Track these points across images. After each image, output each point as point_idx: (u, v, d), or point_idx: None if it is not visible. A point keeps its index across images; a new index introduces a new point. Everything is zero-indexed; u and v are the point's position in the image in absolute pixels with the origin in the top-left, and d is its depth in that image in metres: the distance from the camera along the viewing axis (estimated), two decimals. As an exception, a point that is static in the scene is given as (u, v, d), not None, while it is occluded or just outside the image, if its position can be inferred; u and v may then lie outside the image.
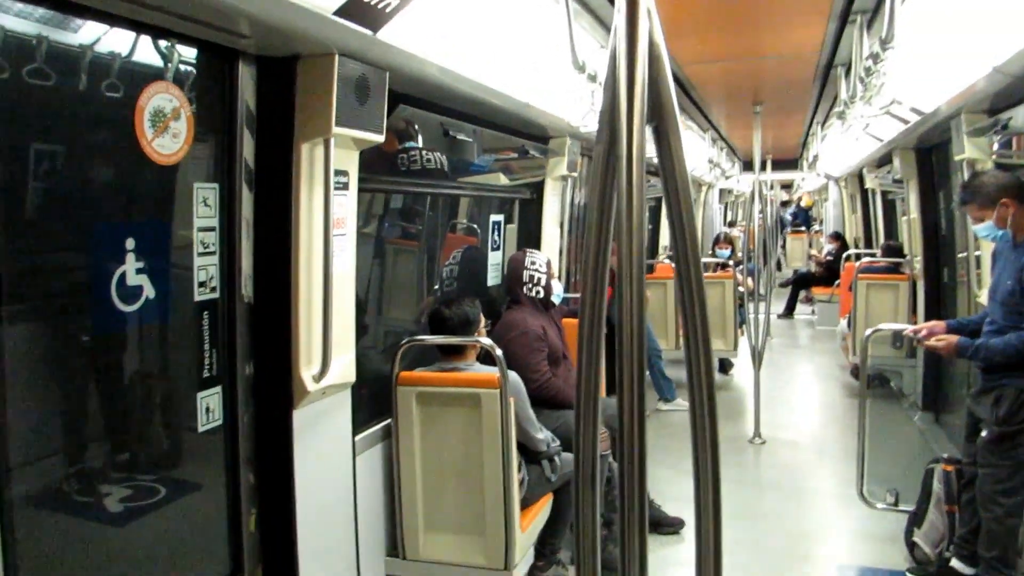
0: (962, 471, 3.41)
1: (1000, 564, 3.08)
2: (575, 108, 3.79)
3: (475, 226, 4.45)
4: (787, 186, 20.94)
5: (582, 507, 1.08)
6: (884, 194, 8.25)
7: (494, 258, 4.49)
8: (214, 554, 2.30)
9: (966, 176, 4.05)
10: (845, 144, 7.14)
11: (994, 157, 3.87)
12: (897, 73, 3.55)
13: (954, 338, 3.32)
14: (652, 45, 0.95)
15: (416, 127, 3.43)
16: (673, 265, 7.41)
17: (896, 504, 3.86)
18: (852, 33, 3.78)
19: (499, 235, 4.53)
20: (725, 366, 7.83)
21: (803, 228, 17.84)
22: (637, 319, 0.95)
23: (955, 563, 3.33)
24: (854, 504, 4.07)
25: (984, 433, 3.14)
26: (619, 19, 0.94)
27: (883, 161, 7.32)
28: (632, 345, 0.95)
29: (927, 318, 5.79)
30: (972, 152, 3.91)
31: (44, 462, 1.76)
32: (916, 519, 3.66)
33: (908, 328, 3.83)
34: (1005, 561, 3.09)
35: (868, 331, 3.83)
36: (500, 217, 4.54)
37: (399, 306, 3.81)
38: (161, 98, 1.90)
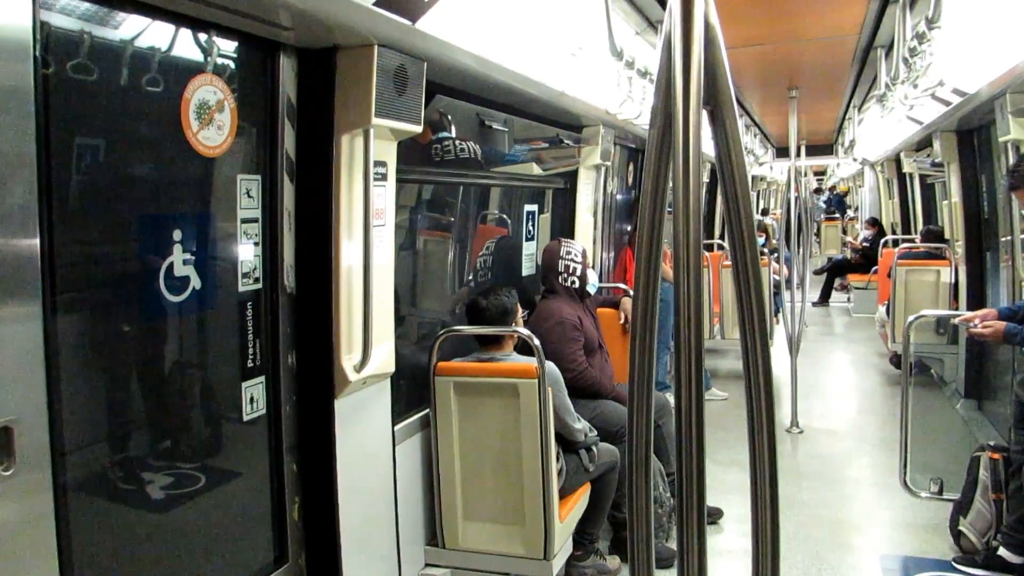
0: (1009, 459, 3.35)
1: None
2: (612, 95, 3.76)
3: (507, 217, 4.44)
4: (819, 174, 20.62)
5: (636, 495, 1.07)
6: (923, 178, 8.09)
7: (528, 248, 4.48)
8: (259, 541, 2.34)
9: (1011, 158, 3.95)
10: (884, 128, 7.00)
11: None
12: (941, 54, 3.46)
13: (1001, 324, 3.25)
14: (708, 27, 0.94)
15: (450, 117, 3.43)
16: (706, 253, 7.38)
17: (940, 493, 3.79)
18: (895, 13, 3.69)
19: (533, 225, 4.52)
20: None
21: (837, 215, 17.58)
22: (695, 307, 0.94)
23: (1003, 552, 3.27)
24: (896, 493, 4.00)
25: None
26: (674, 1, 0.92)
27: (921, 145, 7.17)
28: (690, 332, 0.94)
29: (969, 304, 5.68)
30: (1017, 133, 3.81)
31: (95, 448, 1.79)
32: (962, 508, 3.60)
33: (961, 315, 3.75)
34: None
35: (912, 317, 3.75)
36: (534, 207, 4.53)
37: (433, 297, 3.82)
38: (206, 90, 1.92)
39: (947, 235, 6.48)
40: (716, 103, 0.95)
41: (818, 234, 16.67)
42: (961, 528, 3.57)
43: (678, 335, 0.95)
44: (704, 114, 0.94)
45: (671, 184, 0.95)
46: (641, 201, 1.03)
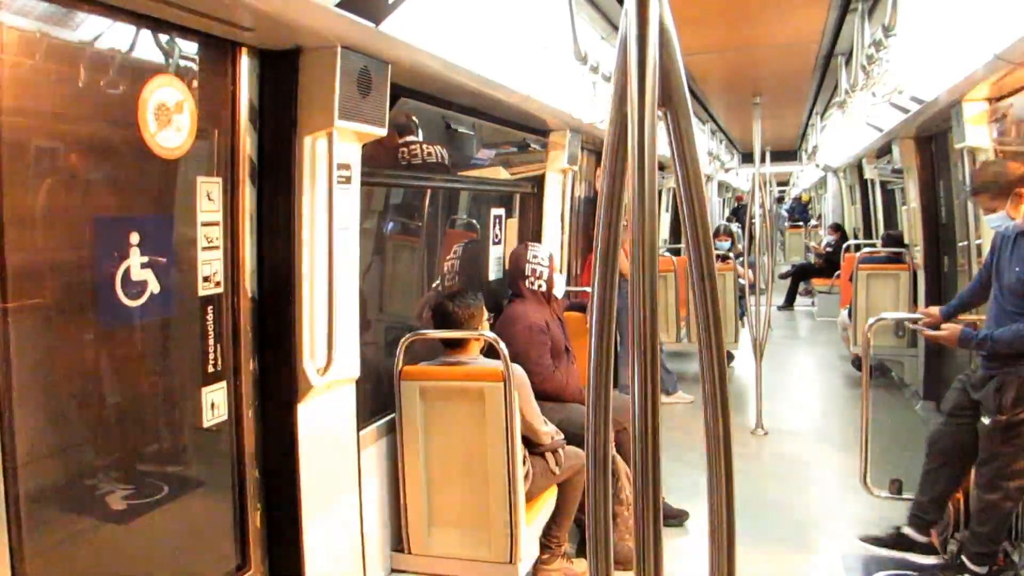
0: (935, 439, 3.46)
1: (989, 539, 3.16)
2: (577, 100, 3.78)
3: (474, 221, 4.44)
4: (782, 184, 20.94)
5: (596, 497, 1.07)
6: (883, 184, 8.25)
7: (495, 252, 4.48)
8: (221, 549, 2.30)
9: (967, 164, 4.05)
10: (845, 134, 7.13)
11: (995, 145, 3.87)
12: (898, 61, 3.54)
13: (957, 328, 3.33)
14: (663, 30, 0.94)
15: (416, 121, 3.42)
16: (673, 258, 7.43)
17: (899, 492, 3.87)
18: (853, 22, 3.77)
19: (500, 229, 4.52)
20: (727, 358, 7.83)
21: (800, 223, 17.89)
22: (649, 310, 0.94)
23: (908, 530, 3.46)
24: (858, 493, 4.07)
25: (987, 420, 3.14)
26: (630, 3, 0.93)
27: (882, 151, 7.31)
28: (645, 336, 0.94)
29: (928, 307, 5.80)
30: (973, 140, 3.90)
31: (49, 459, 1.75)
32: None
33: (912, 317, 3.85)
34: (995, 538, 3.17)
35: (871, 320, 3.83)
36: (501, 211, 4.53)
37: (399, 301, 3.80)
38: (164, 91, 1.89)
39: (906, 240, 6.62)
40: (671, 105, 0.96)
41: (783, 243, 16.94)
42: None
43: (634, 332, 0.95)
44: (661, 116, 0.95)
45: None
46: (598, 202, 1.03)
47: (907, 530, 3.46)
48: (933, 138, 5.67)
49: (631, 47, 0.93)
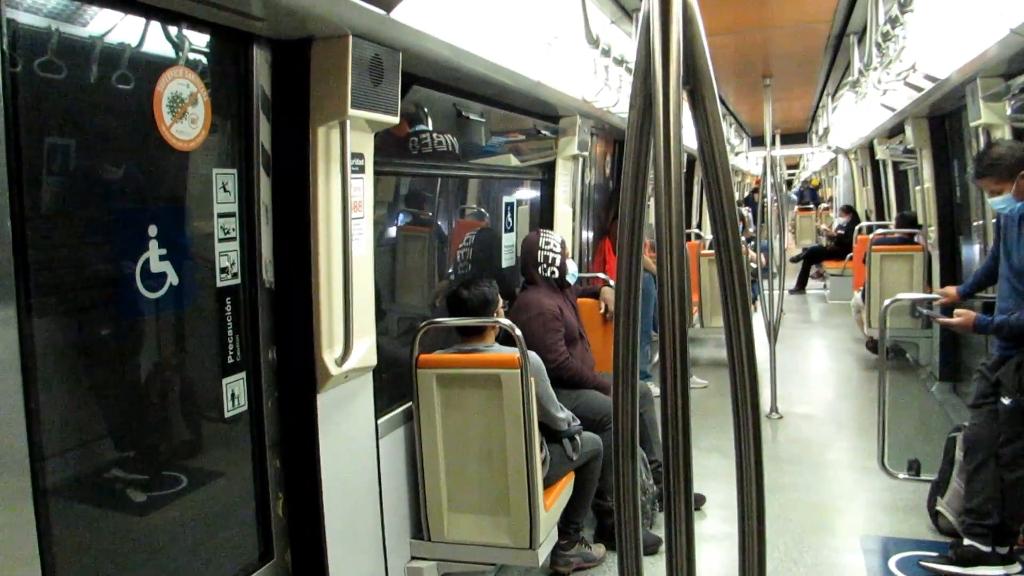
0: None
1: (1014, 521, 3.15)
2: (588, 84, 3.76)
3: (484, 210, 4.43)
4: (792, 167, 20.81)
5: (622, 479, 1.07)
6: (895, 165, 8.18)
7: (507, 239, 4.47)
8: (244, 539, 2.32)
9: (981, 143, 4.01)
10: (857, 115, 7.07)
11: (1010, 122, 3.82)
12: (914, 38, 3.50)
13: (971, 314, 3.31)
14: (686, 7, 0.93)
15: (427, 109, 3.41)
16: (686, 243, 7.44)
17: (917, 474, 3.86)
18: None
19: (512, 216, 4.51)
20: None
21: (811, 206, 17.80)
22: (678, 292, 0.93)
23: (970, 542, 3.23)
24: (874, 475, 4.07)
25: (1007, 401, 3.13)
26: (652, -23, 0.92)
27: (894, 132, 7.25)
28: (673, 318, 0.93)
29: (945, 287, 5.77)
30: (988, 117, 3.87)
31: (75, 451, 1.77)
32: (939, 488, 3.66)
33: (927, 297, 3.82)
34: (1017, 516, 3.15)
35: (887, 301, 3.80)
36: (513, 198, 4.52)
37: (413, 290, 3.80)
38: (178, 83, 1.89)
39: (920, 220, 6.57)
40: (696, 83, 0.95)
41: (794, 228, 16.87)
42: (939, 508, 3.64)
43: (662, 318, 0.94)
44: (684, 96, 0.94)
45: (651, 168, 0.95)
46: (622, 185, 1.02)
47: (969, 542, 3.24)
48: (946, 117, 5.61)
49: (654, 23, 0.92)
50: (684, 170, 0.95)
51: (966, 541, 3.25)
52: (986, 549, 3.20)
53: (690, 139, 0.98)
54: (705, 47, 0.95)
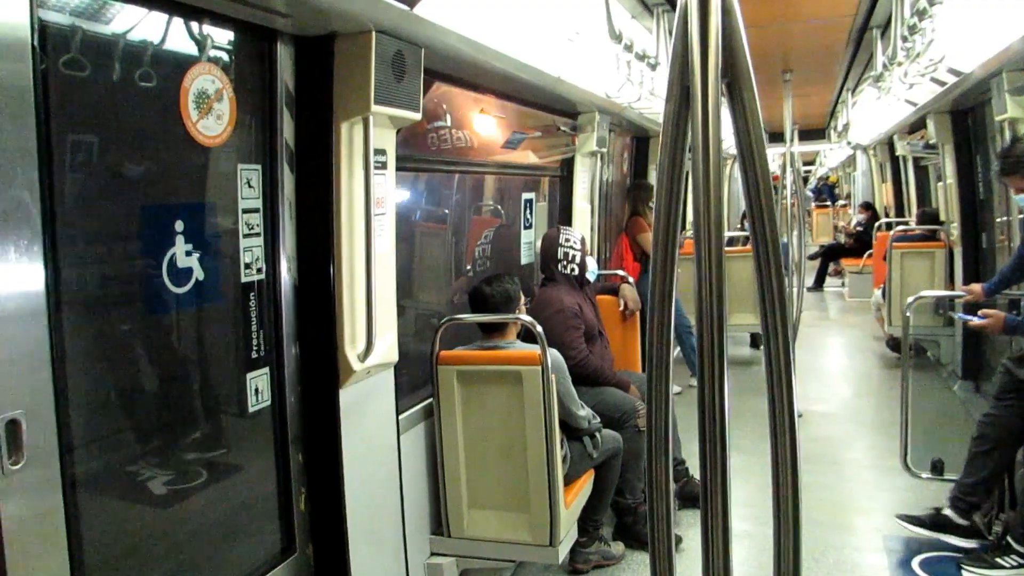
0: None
1: None
2: (609, 80, 3.74)
3: (500, 207, 4.42)
4: (808, 163, 20.67)
5: (655, 477, 1.06)
6: (916, 161, 8.10)
7: (526, 236, 4.46)
8: (266, 533, 2.33)
9: (1007, 138, 3.95)
10: (877, 111, 7.00)
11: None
12: (941, 31, 3.45)
13: (1000, 315, 3.28)
14: (725, -2, 0.92)
15: (446, 105, 3.40)
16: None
17: (941, 474, 3.81)
18: (892, -7, 3.68)
19: (531, 213, 4.50)
20: (757, 340, 7.77)
21: (828, 203, 17.65)
22: (716, 293, 0.91)
23: (948, 512, 3.37)
24: (896, 474, 4.03)
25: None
26: (689, -33, 0.90)
27: (914, 127, 7.17)
28: (712, 316, 0.92)
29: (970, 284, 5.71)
30: (1014, 111, 3.81)
31: (102, 442, 1.78)
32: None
33: (955, 295, 3.78)
34: None
35: (911, 299, 3.76)
36: (531, 195, 4.51)
37: (432, 287, 3.80)
38: (204, 80, 1.90)
39: (942, 217, 6.50)
40: (734, 75, 0.93)
41: (810, 224, 16.75)
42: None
43: (699, 316, 0.93)
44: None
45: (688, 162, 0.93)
46: (657, 179, 1.01)
47: (947, 512, 3.39)
48: (969, 112, 5.54)
49: (692, 15, 0.90)
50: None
51: (944, 510, 3.39)
52: (962, 523, 3.33)
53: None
54: (743, 38, 0.93)
